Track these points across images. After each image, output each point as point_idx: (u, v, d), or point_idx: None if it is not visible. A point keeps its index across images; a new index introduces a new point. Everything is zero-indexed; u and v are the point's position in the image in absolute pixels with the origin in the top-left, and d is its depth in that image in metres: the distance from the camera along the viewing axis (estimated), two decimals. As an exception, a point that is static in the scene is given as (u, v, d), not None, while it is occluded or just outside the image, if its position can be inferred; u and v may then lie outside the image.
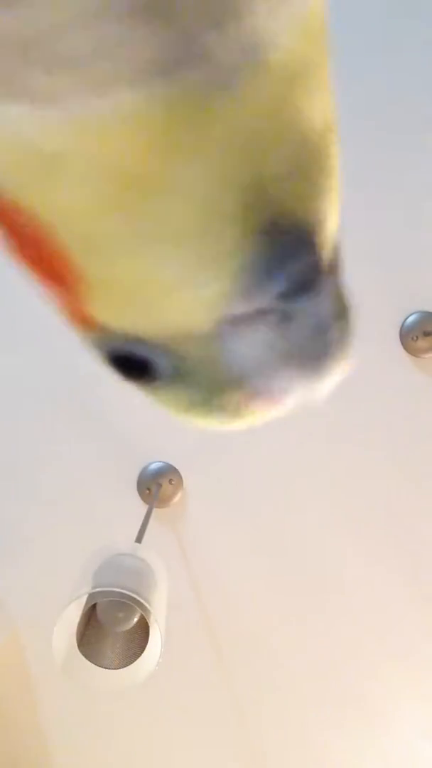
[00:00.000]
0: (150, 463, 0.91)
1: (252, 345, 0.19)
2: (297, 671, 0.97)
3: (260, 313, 0.18)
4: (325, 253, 0.17)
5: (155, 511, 0.84)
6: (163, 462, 0.91)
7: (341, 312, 0.18)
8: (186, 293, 0.17)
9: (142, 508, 0.89)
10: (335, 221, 0.18)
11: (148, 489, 0.90)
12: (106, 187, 0.15)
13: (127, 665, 0.62)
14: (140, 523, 0.75)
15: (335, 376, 0.19)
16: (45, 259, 0.17)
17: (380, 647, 0.96)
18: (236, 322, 0.18)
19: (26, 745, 1.01)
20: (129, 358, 0.21)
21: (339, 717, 0.99)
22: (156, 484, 0.89)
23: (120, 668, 0.62)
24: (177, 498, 0.91)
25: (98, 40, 0.13)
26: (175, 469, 0.91)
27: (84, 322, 0.20)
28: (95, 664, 0.61)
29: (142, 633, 0.63)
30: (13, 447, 0.92)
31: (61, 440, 0.91)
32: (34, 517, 0.92)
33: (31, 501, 0.92)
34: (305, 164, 0.16)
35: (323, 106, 0.16)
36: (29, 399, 0.90)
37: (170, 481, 0.90)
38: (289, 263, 0.17)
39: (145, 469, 0.91)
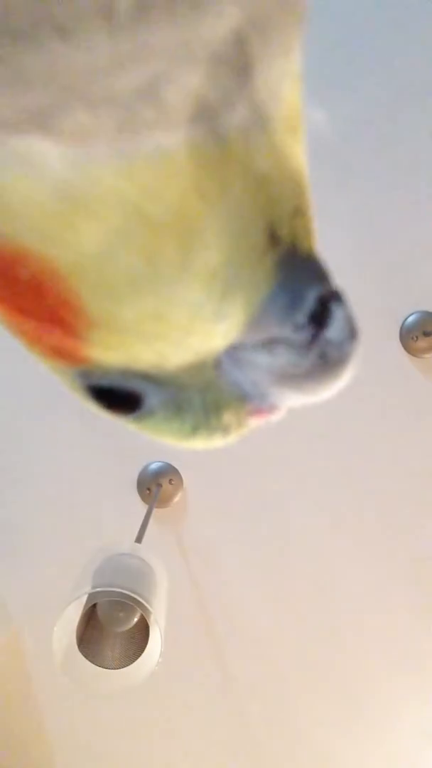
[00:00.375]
0: (150, 463, 0.91)
1: (252, 371, 0.19)
2: (297, 671, 0.97)
3: (267, 342, 0.18)
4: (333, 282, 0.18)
5: (155, 511, 0.84)
6: (163, 462, 0.91)
7: (348, 337, 0.18)
8: (203, 328, 0.17)
9: (142, 508, 0.89)
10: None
11: (148, 489, 0.90)
12: (132, 229, 0.15)
13: (127, 665, 0.62)
14: (140, 523, 0.75)
15: (335, 390, 0.20)
16: (43, 306, 0.17)
17: (381, 647, 0.96)
18: (239, 348, 0.19)
19: (26, 745, 1.01)
20: (112, 390, 0.20)
21: (340, 717, 0.99)
22: (156, 484, 0.90)
23: (120, 668, 0.62)
24: (177, 498, 0.91)
25: (144, 80, 0.13)
26: (175, 469, 0.91)
27: (70, 358, 0.19)
28: (95, 664, 0.61)
29: (142, 633, 0.63)
30: (12, 447, 0.92)
31: (61, 440, 0.91)
32: (34, 517, 0.92)
33: (31, 501, 0.92)
34: (303, 202, 0.17)
35: (303, 150, 0.18)
36: (29, 399, 0.90)
37: (170, 481, 0.90)
38: (307, 293, 0.17)
39: (145, 469, 0.91)
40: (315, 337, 0.18)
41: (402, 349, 0.87)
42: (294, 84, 0.16)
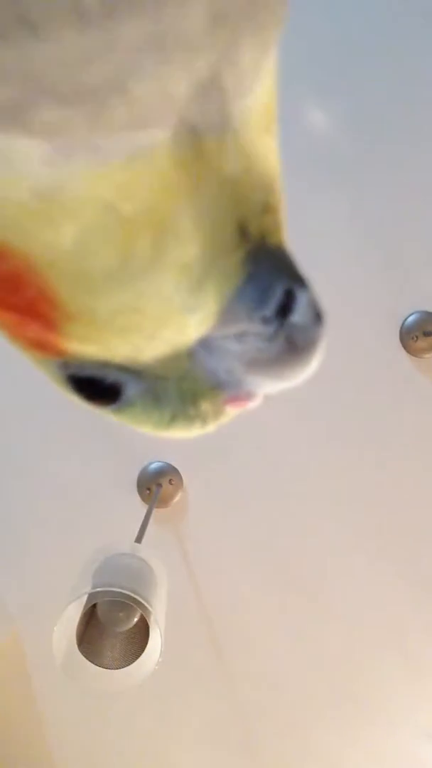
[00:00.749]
0: (150, 463, 0.91)
1: (225, 359, 0.20)
2: (297, 671, 0.97)
3: (238, 334, 0.19)
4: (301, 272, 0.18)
5: (155, 511, 0.84)
6: (163, 462, 0.91)
7: (313, 321, 0.19)
8: (176, 320, 0.18)
9: (142, 508, 0.89)
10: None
11: (148, 489, 0.90)
12: (107, 226, 0.15)
13: (127, 665, 0.62)
14: (140, 523, 0.75)
15: (308, 374, 0.20)
16: (22, 300, 0.17)
17: (381, 647, 0.96)
18: (212, 340, 0.19)
19: (26, 745, 1.01)
20: (93, 381, 0.20)
21: (340, 717, 0.99)
22: (156, 484, 0.90)
23: (120, 668, 0.62)
24: (177, 498, 0.91)
25: (113, 75, 0.13)
26: (175, 469, 0.91)
27: (50, 350, 0.19)
28: (95, 664, 0.61)
29: (142, 633, 0.63)
30: (12, 447, 0.92)
31: (61, 440, 0.91)
32: (34, 517, 0.92)
33: (31, 501, 0.92)
34: (273, 199, 0.18)
35: (276, 148, 0.18)
36: (29, 398, 0.90)
37: (170, 481, 0.90)
38: (275, 287, 0.18)
39: (145, 469, 0.91)
40: (281, 323, 0.18)
41: (402, 349, 0.87)
42: (269, 83, 0.16)
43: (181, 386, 0.21)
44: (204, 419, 0.22)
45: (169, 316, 0.18)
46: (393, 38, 0.79)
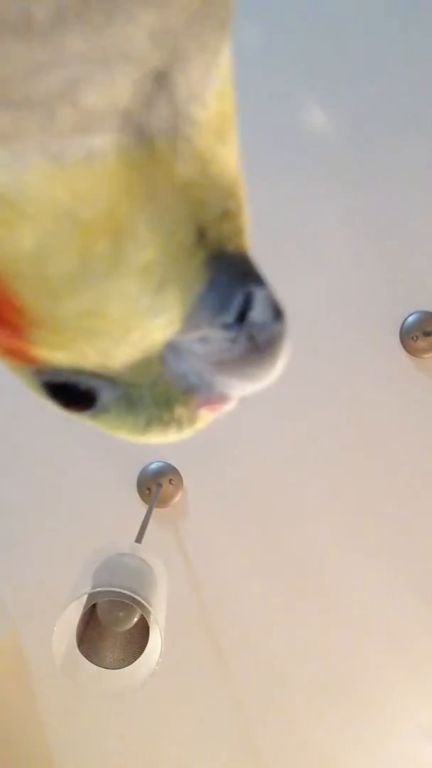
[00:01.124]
0: (150, 463, 0.91)
1: (194, 362, 0.20)
2: (297, 670, 0.97)
3: (203, 339, 0.19)
4: (260, 277, 0.19)
5: (155, 511, 0.84)
6: (163, 462, 0.91)
7: (272, 318, 0.19)
8: (140, 323, 0.18)
9: (142, 508, 0.89)
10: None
11: (148, 489, 0.90)
12: (65, 230, 0.16)
13: (127, 665, 0.62)
14: (140, 523, 0.75)
15: (276, 373, 0.20)
16: None
17: (381, 646, 0.96)
18: (179, 343, 0.19)
19: (26, 745, 1.01)
20: (67, 387, 0.21)
21: (340, 717, 0.99)
22: (156, 484, 0.90)
23: (120, 668, 0.62)
24: (177, 498, 0.91)
25: (61, 84, 0.13)
26: (175, 469, 0.91)
27: (23, 358, 0.20)
28: (95, 664, 0.61)
29: (142, 633, 0.63)
30: (12, 447, 0.92)
31: (61, 440, 0.91)
32: (34, 517, 0.92)
33: (31, 501, 0.92)
34: (232, 205, 0.18)
35: (236, 153, 0.18)
36: (28, 399, 0.89)
37: (170, 481, 0.90)
38: (235, 293, 0.18)
39: (145, 469, 0.91)
40: (239, 326, 0.18)
41: (402, 349, 0.87)
42: (223, 87, 0.17)
43: (155, 391, 0.21)
44: (179, 424, 0.22)
45: (133, 320, 0.18)
46: (392, 38, 0.79)
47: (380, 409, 0.89)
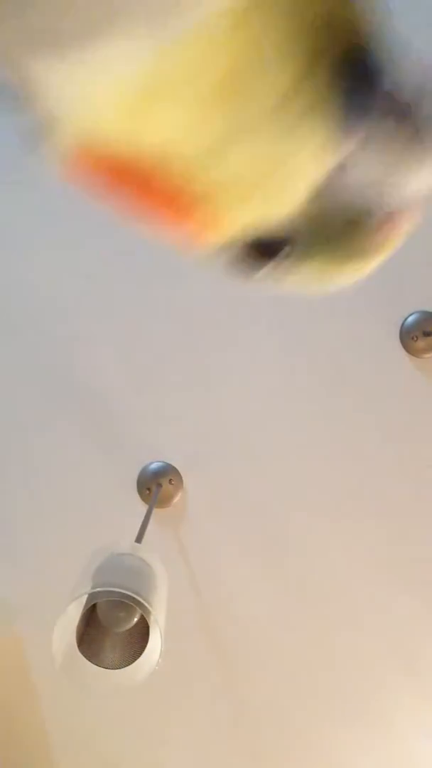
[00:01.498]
0: (150, 463, 0.91)
1: (366, 171, 0.21)
2: (298, 671, 0.97)
3: (360, 145, 0.20)
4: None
5: (155, 511, 0.84)
6: (163, 462, 0.91)
7: (420, 101, 0.20)
8: (300, 157, 0.19)
9: (142, 508, 0.89)
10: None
11: (148, 489, 0.90)
12: (204, 93, 0.16)
13: (127, 665, 0.62)
14: (140, 523, 0.75)
15: None
16: (166, 197, 0.19)
17: (381, 646, 0.96)
18: (345, 163, 0.20)
19: (26, 744, 1.01)
20: (262, 244, 0.22)
21: (340, 718, 0.99)
22: (156, 484, 0.90)
23: (120, 668, 0.62)
24: (177, 498, 0.91)
25: None
26: (175, 469, 0.91)
27: (209, 236, 0.21)
28: (95, 664, 0.61)
29: (142, 633, 0.63)
30: (12, 447, 0.92)
31: (61, 440, 0.91)
32: (34, 517, 0.92)
33: (32, 501, 0.92)
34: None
35: None
36: (29, 398, 0.90)
37: (170, 481, 0.90)
38: (374, 88, 0.19)
39: (145, 469, 0.91)
40: (391, 123, 0.19)
41: (402, 349, 0.87)
42: None
43: (338, 220, 0.21)
44: (366, 252, 0.23)
45: (294, 154, 0.18)
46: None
47: (380, 408, 0.89)
